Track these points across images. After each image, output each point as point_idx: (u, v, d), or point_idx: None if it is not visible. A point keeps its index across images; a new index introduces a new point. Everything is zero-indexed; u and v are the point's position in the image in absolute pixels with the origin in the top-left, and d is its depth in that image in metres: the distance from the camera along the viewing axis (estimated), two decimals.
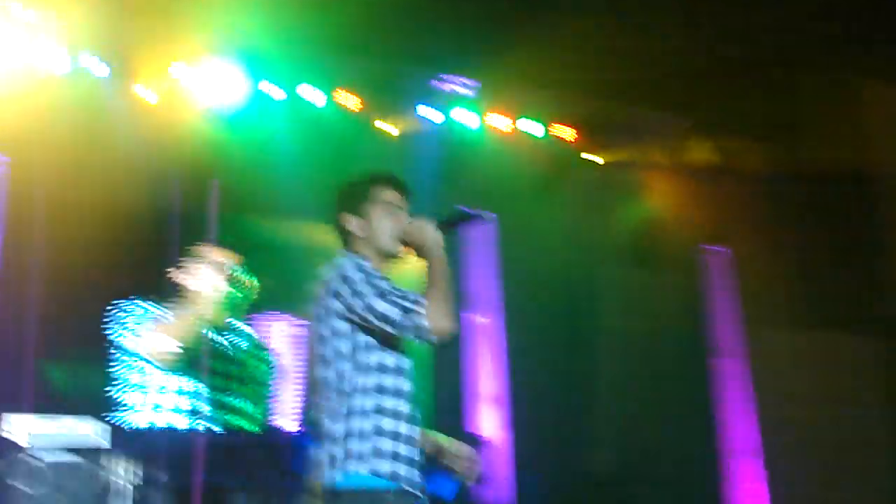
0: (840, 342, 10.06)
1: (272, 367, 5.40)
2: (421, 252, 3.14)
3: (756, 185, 10.21)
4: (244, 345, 5.16)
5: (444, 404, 9.11)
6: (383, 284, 3.01)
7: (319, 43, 8.23)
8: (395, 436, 2.95)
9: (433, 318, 2.94)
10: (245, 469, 5.06)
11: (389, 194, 3.31)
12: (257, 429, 5.20)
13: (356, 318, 2.98)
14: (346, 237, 3.23)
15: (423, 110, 9.36)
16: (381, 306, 2.94)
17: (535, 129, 9.86)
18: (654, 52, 8.50)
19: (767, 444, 9.84)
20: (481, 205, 9.25)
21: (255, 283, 5.01)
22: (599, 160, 10.39)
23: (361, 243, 3.21)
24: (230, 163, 7.88)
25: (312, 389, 3.05)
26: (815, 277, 9.70)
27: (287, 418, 7.25)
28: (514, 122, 9.76)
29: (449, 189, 9.69)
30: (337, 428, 2.92)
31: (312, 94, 8.72)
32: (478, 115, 9.52)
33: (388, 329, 2.95)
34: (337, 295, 3.00)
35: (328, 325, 3.00)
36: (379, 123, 9.24)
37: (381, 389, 2.96)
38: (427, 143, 9.38)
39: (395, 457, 2.92)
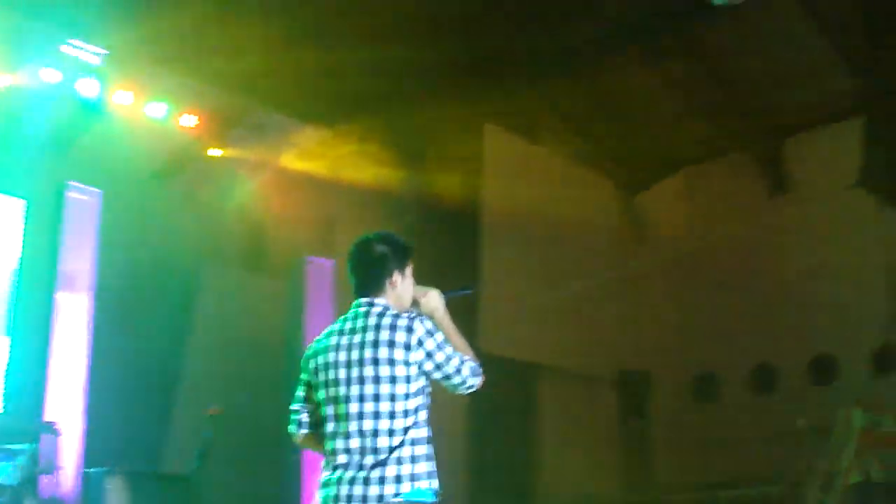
0: None
1: None
2: (431, 314, 3.70)
3: (371, 200, 10.43)
4: None
5: (22, 389, 8.53)
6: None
7: None
8: (433, 458, 3.52)
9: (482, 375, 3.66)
10: None
11: (412, 263, 3.78)
12: None
13: (435, 372, 3.54)
14: (383, 289, 3.65)
15: (42, 71, 8.68)
16: (465, 367, 3.58)
17: (158, 110, 9.47)
18: (299, 60, 8.51)
19: None
20: (88, 180, 8.82)
21: None
22: (220, 153, 10.17)
23: (393, 299, 3.66)
24: None
25: (365, 420, 3.46)
26: None
27: None
28: (137, 100, 9.32)
29: (56, 157, 9.14)
30: (399, 453, 3.43)
31: None
32: (101, 87, 8.96)
33: (457, 383, 3.58)
34: (418, 344, 3.50)
35: (394, 367, 3.47)
36: None
37: (428, 422, 3.52)
38: (40, 106, 8.76)
39: (436, 475, 3.52)
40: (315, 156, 10.42)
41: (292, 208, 10.40)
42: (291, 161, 10.41)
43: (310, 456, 9.50)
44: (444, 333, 3.62)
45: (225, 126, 9.95)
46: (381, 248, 3.67)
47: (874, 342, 11.98)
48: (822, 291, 12.62)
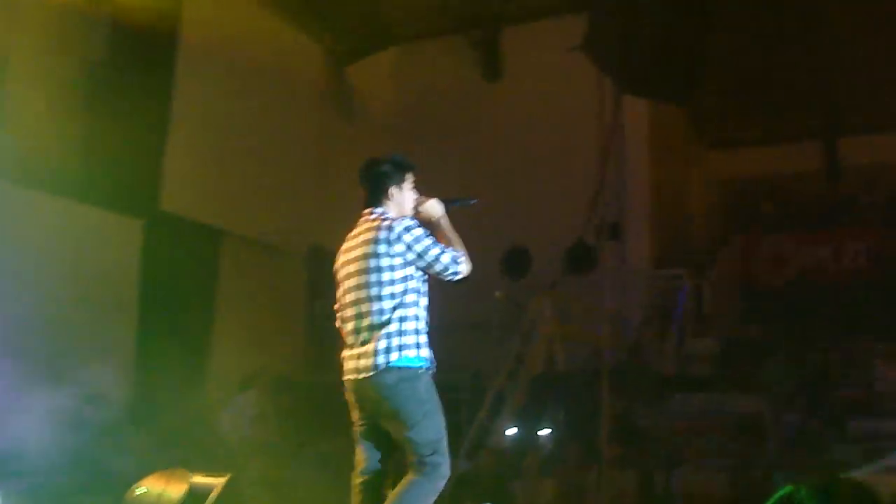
0: (104, 221, 9.49)
1: None
2: (430, 220, 4.49)
3: (53, 25, 9.20)
4: None
5: None
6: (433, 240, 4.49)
7: None
8: (422, 332, 4.38)
9: (468, 264, 4.45)
10: None
11: (413, 176, 4.57)
12: None
13: (419, 261, 4.35)
14: (384, 200, 4.50)
15: None
16: (444, 256, 4.38)
17: None
18: None
19: None
20: None
21: None
22: None
23: (393, 207, 4.48)
24: None
25: (362, 305, 4.35)
26: (96, 152, 9.06)
27: None
28: None
29: None
30: (388, 328, 4.30)
31: None
32: None
33: (440, 269, 4.37)
34: (397, 239, 4.33)
35: (379, 260, 4.34)
36: None
37: (417, 303, 4.37)
38: None
39: (426, 346, 4.39)
40: None
41: None
42: None
43: None
44: (444, 235, 4.47)
45: None
46: (383, 168, 4.54)
47: (568, 237, 11.90)
48: (527, 183, 12.51)
